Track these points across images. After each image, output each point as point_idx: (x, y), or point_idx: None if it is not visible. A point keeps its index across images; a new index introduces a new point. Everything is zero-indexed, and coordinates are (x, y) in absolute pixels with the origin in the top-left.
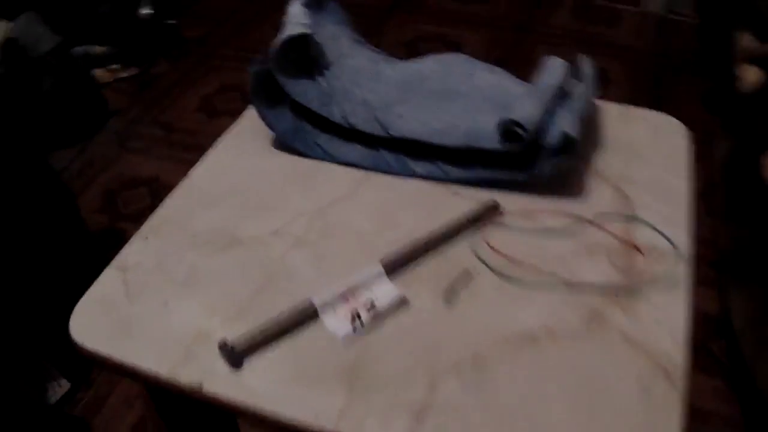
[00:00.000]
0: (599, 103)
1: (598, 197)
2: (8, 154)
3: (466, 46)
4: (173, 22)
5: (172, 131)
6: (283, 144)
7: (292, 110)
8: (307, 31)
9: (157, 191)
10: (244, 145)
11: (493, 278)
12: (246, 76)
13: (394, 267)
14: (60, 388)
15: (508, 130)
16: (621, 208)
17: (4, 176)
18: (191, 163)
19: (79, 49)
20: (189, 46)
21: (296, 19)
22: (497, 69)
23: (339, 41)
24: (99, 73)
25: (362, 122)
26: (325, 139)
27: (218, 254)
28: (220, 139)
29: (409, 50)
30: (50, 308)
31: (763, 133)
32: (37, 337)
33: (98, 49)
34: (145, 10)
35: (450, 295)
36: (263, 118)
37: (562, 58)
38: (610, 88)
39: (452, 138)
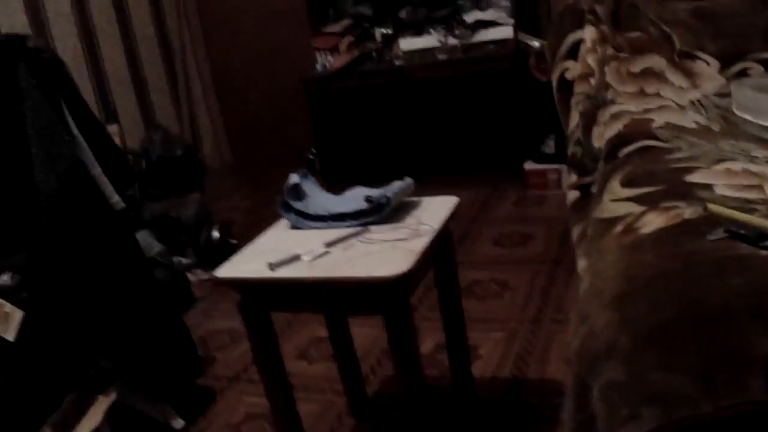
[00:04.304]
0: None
1: (410, 219)
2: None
3: None
4: (234, 241)
5: None
6: (292, 226)
7: (294, 213)
8: (298, 181)
9: (235, 335)
10: (282, 226)
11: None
12: None
13: (330, 245)
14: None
15: (368, 200)
16: (415, 224)
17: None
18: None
19: (176, 260)
20: None
21: (292, 180)
22: (367, 190)
23: (311, 188)
24: (189, 276)
25: (320, 212)
26: (307, 224)
27: (275, 257)
28: (273, 225)
29: None
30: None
31: None
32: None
33: (185, 261)
34: (215, 234)
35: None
36: (284, 216)
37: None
38: (532, 243)
39: (351, 210)
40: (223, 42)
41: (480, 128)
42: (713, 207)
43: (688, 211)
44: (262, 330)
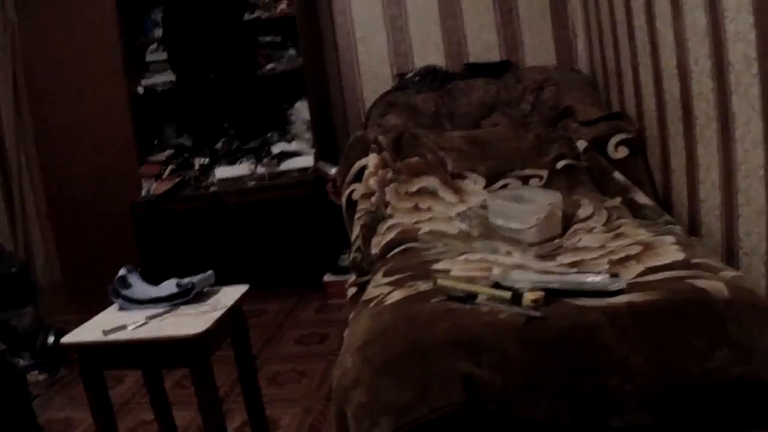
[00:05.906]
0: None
1: (211, 300)
2: None
3: None
4: None
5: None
6: (120, 309)
7: (122, 298)
8: (125, 274)
9: (70, 422)
10: (112, 309)
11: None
12: None
13: (149, 318)
14: None
15: (179, 286)
16: (214, 303)
17: None
18: None
19: (16, 360)
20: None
21: (121, 272)
22: (177, 280)
23: (135, 280)
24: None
25: (142, 297)
26: (131, 306)
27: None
28: (108, 309)
29: None
30: None
31: None
32: None
33: (23, 362)
34: (51, 338)
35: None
36: (114, 301)
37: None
38: (328, 341)
39: (166, 294)
40: (58, 166)
41: (286, 246)
42: (441, 282)
43: (423, 286)
44: (97, 385)
